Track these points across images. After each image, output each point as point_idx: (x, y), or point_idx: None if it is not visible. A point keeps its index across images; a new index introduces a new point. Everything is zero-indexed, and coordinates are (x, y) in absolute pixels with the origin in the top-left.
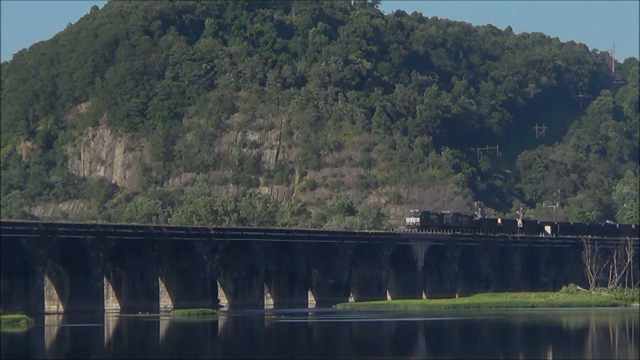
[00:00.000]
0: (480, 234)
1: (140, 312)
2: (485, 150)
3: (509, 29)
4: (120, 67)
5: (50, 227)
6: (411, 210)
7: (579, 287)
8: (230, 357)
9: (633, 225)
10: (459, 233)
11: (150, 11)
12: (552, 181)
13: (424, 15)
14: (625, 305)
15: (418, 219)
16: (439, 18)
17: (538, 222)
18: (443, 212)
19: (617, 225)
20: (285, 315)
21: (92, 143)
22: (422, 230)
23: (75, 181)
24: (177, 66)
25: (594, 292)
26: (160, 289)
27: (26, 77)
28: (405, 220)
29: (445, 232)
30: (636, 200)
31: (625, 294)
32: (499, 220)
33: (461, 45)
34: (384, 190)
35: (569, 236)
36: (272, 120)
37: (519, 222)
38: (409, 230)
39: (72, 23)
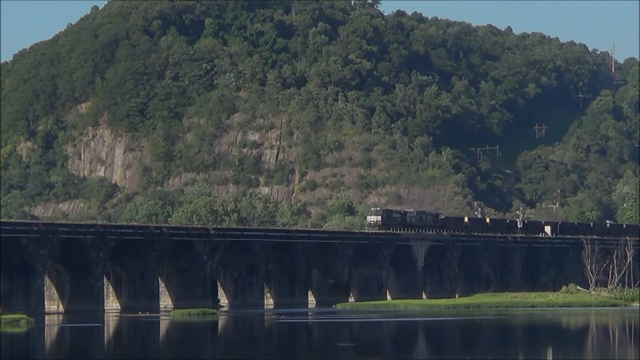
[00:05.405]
0: (445, 233)
1: (140, 312)
2: (485, 150)
3: (509, 29)
4: (120, 67)
5: (50, 227)
6: (372, 209)
7: (579, 287)
8: (230, 357)
9: (625, 225)
10: (423, 232)
11: (150, 11)
12: (552, 181)
13: (424, 15)
14: (625, 305)
15: (379, 217)
16: (439, 18)
17: (507, 221)
18: (406, 210)
19: (617, 225)
20: (285, 315)
21: (92, 143)
22: (383, 229)
23: (76, 181)
24: (177, 66)
25: (594, 292)
26: (160, 289)
27: (26, 77)
28: (367, 220)
29: (444, 232)
30: (636, 200)
31: (625, 294)
32: (466, 219)
33: (461, 45)
34: (384, 190)
35: (569, 236)
36: (272, 120)
37: (487, 220)
38: (371, 229)
39: (72, 23)
